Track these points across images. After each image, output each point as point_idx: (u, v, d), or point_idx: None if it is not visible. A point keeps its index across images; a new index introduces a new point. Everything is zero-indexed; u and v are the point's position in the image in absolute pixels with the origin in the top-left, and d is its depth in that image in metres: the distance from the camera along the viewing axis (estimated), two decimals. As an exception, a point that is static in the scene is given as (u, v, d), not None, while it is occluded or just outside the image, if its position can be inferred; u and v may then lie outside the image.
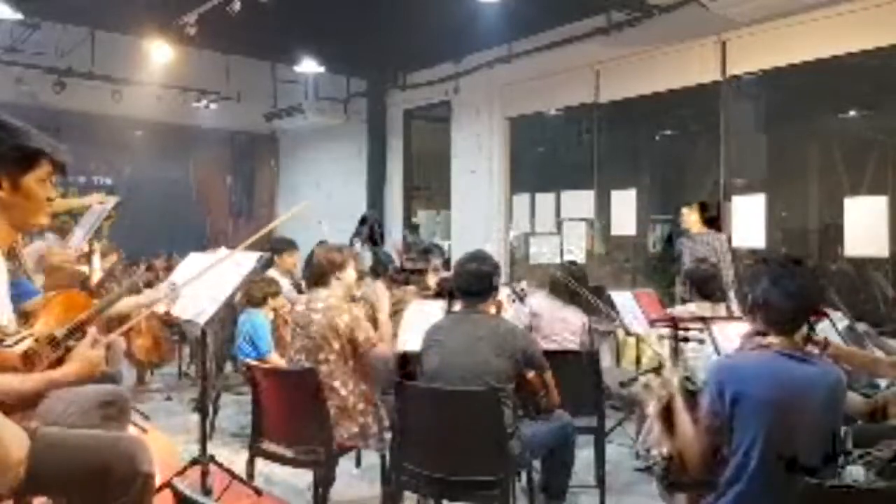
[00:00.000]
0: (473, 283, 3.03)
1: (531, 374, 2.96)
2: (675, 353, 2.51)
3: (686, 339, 2.61)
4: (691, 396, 2.27)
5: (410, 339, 3.45)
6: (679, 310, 4.39)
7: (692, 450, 2.12)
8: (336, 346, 3.26)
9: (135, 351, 5.96)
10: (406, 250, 9.28)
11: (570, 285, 4.04)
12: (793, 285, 2.07)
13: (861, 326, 3.19)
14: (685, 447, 2.15)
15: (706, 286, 4.29)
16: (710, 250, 6.28)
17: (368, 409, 3.29)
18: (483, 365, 2.81)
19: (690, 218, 6.47)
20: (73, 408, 2.19)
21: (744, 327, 2.38)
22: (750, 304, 2.17)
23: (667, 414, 2.42)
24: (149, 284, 5.66)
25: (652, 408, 2.74)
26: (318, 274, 3.47)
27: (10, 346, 1.91)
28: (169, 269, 6.34)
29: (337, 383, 3.24)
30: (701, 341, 3.06)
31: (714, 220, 6.38)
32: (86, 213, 4.48)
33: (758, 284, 2.12)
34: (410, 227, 10.06)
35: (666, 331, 2.57)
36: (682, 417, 2.20)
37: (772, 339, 2.11)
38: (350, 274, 3.53)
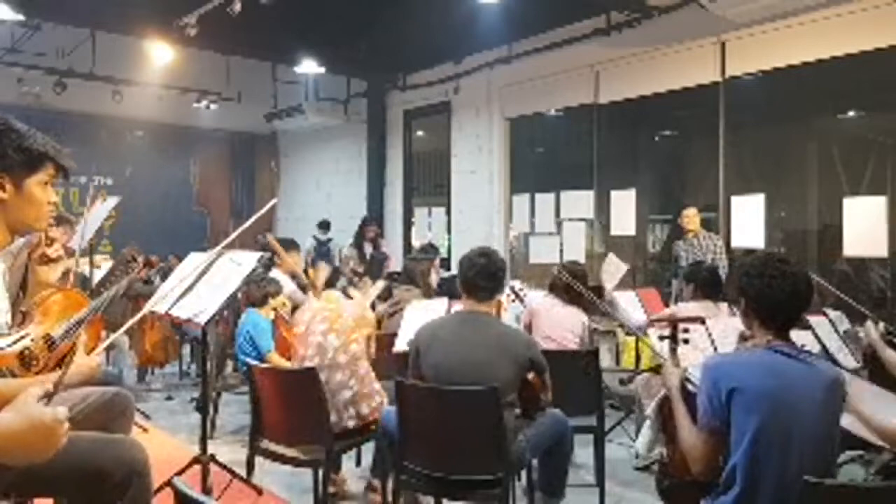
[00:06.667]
0: (481, 281, 2.94)
1: (531, 376, 2.95)
2: (674, 352, 2.50)
3: (686, 341, 2.60)
4: (692, 398, 2.23)
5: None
6: (679, 307, 4.42)
7: (696, 452, 2.08)
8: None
9: (147, 346, 6.00)
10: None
11: (570, 282, 4.03)
12: (786, 282, 2.06)
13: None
14: (688, 449, 2.11)
15: (708, 286, 4.32)
16: (705, 251, 6.34)
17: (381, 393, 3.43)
18: (487, 372, 2.77)
19: (696, 219, 6.56)
20: (77, 409, 2.20)
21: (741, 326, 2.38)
22: (743, 301, 2.14)
23: (665, 414, 2.40)
24: (146, 282, 5.70)
25: (650, 409, 2.75)
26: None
27: (6, 346, 1.92)
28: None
29: (353, 380, 3.35)
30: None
31: (709, 221, 6.45)
32: (87, 213, 4.48)
33: (751, 281, 2.10)
34: (319, 224, 10.07)
35: (666, 331, 2.57)
36: (682, 419, 2.18)
37: (767, 338, 2.08)
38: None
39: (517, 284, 5.00)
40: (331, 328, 3.36)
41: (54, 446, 1.32)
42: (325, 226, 10.02)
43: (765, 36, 6.40)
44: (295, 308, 5.07)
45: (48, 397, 1.32)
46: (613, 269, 5.67)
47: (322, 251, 9.69)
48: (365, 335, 3.44)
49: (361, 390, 3.33)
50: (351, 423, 3.30)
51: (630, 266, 6.27)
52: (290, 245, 5.70)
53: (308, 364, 3.34)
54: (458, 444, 2.82)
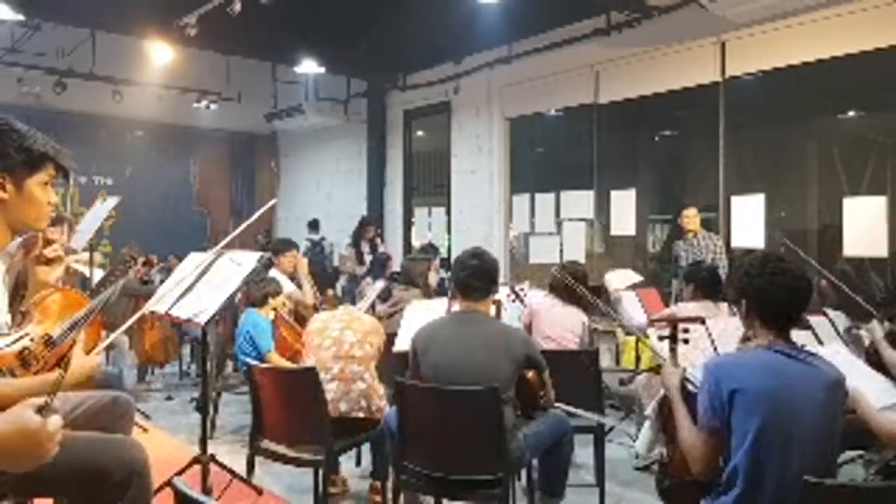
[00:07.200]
0: (474, 281, 2.99)
1: (530, 374, 2.96)
2: (674, 352, 2.49)
3: (686, 341, 2.60)
4: (692, 398, 2.23)
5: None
6: (679, 307, 4.41)
7: (696, 452, 2.08)
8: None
9: (147, 346, 6.01)
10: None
11: (570, 284, 4.03)
12: (786, 279, 2.05)
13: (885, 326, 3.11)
14: (688, 449, 2.10)
15: (708, 286, 4.32)
16: (705, 251, 6.34)
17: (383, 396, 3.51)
18: (485, 370, 2.79)
19: (696, 219, 6.56)
20: (77, 413, 2.20)
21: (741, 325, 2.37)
22: (744, 302, 2.13)
23: (665, 414, 2.40)
24: (145, 282, 5.71)
25: (650, 409, 2.73)
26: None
27: (5, 346, 1.91)
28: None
29: (367, 374, 3.46)
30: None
31: (709, 221, 6.47)
32: (87, 213, 4.50)
33: (752, 280, 2.09)
34: (309, 224, 10.07)
35: (666, 331, 2.57)
36: (682, 419, 2.18)
37: (768, 339, 2.08)
38: None
39: (524, 285, 5.01)
40: (348, 326, 3.53)
41: (44, 456, 1.32)
42: (314, 225, 9.99)
43: (765, 36, 6.40)
44: (295, 308, 5.09)
45: (46, 407, 1.32)
46: (623, 277, 5.70)
47: (316, 251, 9.66)
48: (376, 344, 3.56)
49: (373, 384, 3.44)
50: (361, 414, 3.36)
51: (630, 266, 6.28)
52: (288, 245, 5.69)
53: (323, 353, 3.42)
54: (458, 443, 2.83)
